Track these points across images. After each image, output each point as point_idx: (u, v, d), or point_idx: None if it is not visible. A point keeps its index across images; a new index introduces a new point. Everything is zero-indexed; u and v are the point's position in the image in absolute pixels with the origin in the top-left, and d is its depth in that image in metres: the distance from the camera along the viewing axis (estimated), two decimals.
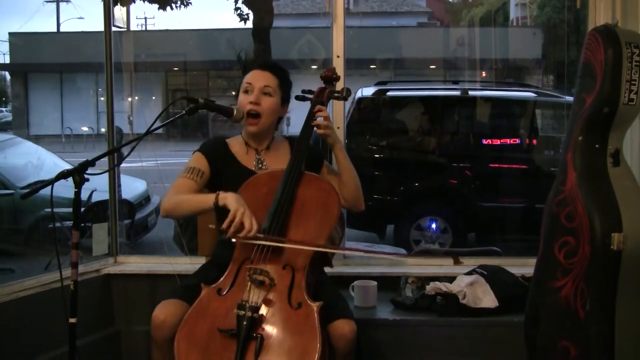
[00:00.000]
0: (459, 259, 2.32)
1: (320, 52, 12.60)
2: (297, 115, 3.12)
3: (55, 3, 23.56)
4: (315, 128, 2.56)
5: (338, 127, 3.43)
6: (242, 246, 2.35)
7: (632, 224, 2.40)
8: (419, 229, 6.39)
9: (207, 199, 2.36)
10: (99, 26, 3.58)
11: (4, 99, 26.46)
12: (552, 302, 2.54)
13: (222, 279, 2.32)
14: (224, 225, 2.26)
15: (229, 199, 2.30)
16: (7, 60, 21.28)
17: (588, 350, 2.45)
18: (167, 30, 20.81)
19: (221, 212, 2.34)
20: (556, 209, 2.56)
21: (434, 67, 16.33)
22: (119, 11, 3.80)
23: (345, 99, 2.78)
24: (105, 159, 2.41)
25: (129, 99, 4.82)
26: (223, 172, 2.58)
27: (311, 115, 2.59)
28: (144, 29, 22.16)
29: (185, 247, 3.66)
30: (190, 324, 2.21)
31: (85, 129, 19.46)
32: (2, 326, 2.92)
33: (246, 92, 2.60)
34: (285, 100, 2.68)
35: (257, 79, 2.61)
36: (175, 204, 2.45)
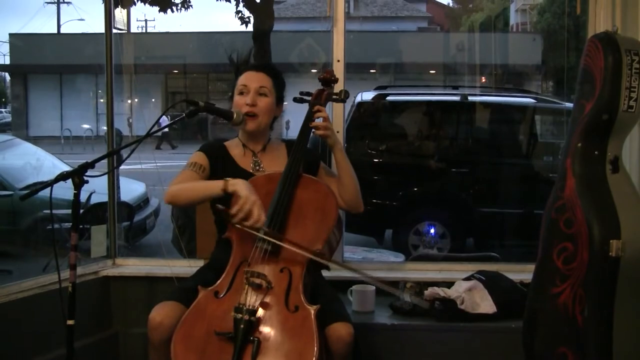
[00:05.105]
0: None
1: (320, 56, 12.61)
2: (296, 118, 3.12)
3: (56, 4, 23.64)
4: (313, 130, 2.56)
5: (338, 131, 3.41)
6: (240, 248, 2.35)
7: (630, 231, 2.40)
8: (418, 234, 6.38)
9: (215, 185, 2.33)
10: (100, 28, 3.58)
11: (3, 100, 26.50)
12: (551, 308, 2.54)
13: (219, 281, 2.31)
14: (234, 210, 2.25)
15: (239, 185, 2.28)
16: (7, 61, 21.34)
17: (586, 357, 2.45)
18: (167, 33, 20.89)
19: (220, 201, 2.33)
20: (555, 215, 2.56)
21: (433, 72, 16.34)
22: (119, 13, 3.80)
23: (343, 101, 2.78)
24: (105, 161, 2.39)
25: (129, 101, 4.82)
26: (222, 173, 2.58)
27: (309, 117, 2.59)
28: (144, 31, 22.24)
29: (184, 250, 3.66)
30: (188, 326, 2.20)
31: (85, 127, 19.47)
32: (0, 328, 2.91)
33: (241, 93, 2.61)
34: (279, 100, 2.69)
35: (252, 80, 2.61)
36: (180, 189, 2.42)
